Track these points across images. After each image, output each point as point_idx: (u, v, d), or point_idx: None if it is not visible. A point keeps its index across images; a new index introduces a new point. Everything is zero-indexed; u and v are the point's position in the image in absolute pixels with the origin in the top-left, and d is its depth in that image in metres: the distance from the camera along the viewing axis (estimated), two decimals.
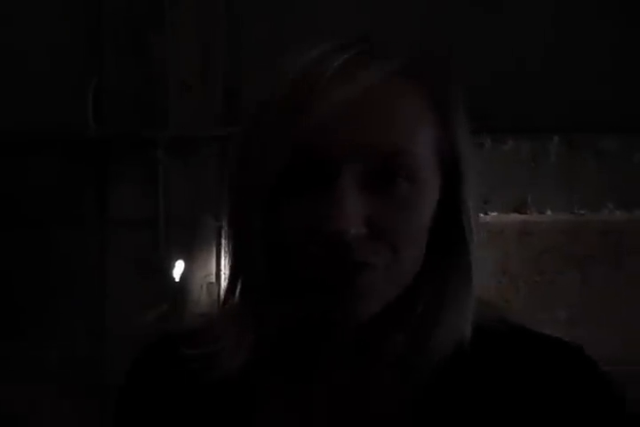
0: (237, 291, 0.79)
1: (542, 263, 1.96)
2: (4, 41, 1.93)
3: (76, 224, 1.90)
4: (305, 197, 0.70)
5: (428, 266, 0.75)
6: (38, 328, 1.87)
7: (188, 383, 0.79)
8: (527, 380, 0.75)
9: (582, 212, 1.98)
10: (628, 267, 1.96)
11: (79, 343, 1.88)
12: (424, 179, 0.72)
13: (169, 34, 1.93)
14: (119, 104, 1.93)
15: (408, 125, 0.71)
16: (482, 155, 1.91)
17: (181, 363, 0.79)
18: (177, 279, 1.88)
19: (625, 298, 1.95)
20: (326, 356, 0.78)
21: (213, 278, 1.90)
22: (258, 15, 1.96)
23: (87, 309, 1.89)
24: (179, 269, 1.88)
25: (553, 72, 1.98)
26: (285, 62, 0.72)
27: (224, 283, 1.87)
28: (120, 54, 1.93)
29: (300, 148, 0.69)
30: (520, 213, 1.97)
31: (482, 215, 1.95)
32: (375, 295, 0.71)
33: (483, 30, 1.97)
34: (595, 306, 1.95)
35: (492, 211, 1.95)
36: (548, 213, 1.98)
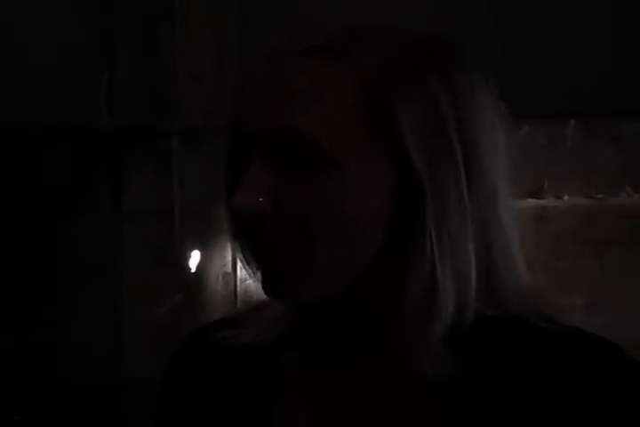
0: None
1: (559, 249, 1.95)
2: (16, 34, 1.93)
3: (91, 215, 1.90)
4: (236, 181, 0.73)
5: (388, 260, 0.72)
6: (53, 320, 1.87)
7: (222, 363, 0.82)
8: (560, 378, 0.73)
9: (600, 196, 1.96)
10: None
11: (95, 335, 1.88)
12: (345, 165, 0.68)
13: (181, 25, 1.92)
14: (132, 95, 1.93)
15: (311, 106, 0.68)
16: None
17: (216, 345, 0.82)
18: (193, 269, 1.88)
19: None
20: (343, 340, 0.78)
21: (230, 268, 1.90)
22: (270, 9, 1.96)
23: (103, 299, 1.89)
24: (194, 259, 1.88)
25: (569, 56, 1.96)
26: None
27: (240, 272, 1.88)
28: (133, 46, 1.93)
29: (236, 134, 0.74)
30: (536, 198, 1.96)
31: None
32: (296, 279, 0.72)
33: (496, 15, 1.96)
34: (613, 290, 1.94)
35: None
36: (565, 197, 1.96)
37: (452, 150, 0.70)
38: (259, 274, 0.76)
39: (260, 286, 0.75)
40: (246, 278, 1.86)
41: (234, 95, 0.77)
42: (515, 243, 0.77)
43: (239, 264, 1.90)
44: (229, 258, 1.90)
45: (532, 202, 1.95)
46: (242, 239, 0.76)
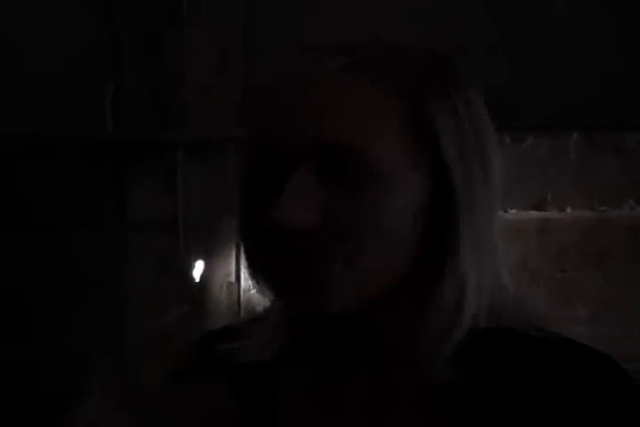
0: None
1: (562, 261, 1.95)
2: (20, 42, 1.94)
3: (96, 226, 1.91)
4: (269, 194, 0.72)
5: (421, 267, 0.74)
6: (57, 330, 1.88)
7: (221, 375, 0.82)
8: (555, 388, 0.74)
9: (602, 208, 1.97)
10: None
11: (99, 344, 1.89)
12: (391, 177, 0.71)
13: (187, 36, 1.93)
14: (137, 106, 1.94)
15: (357, 120, 0.71)
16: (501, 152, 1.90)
17: (217, 357, 0.82)
18: (197, 280, 1.89)
19: None
20: (347, 351, 0.79)
21: (233, 278, 1.90)
22: (275, 18, 1.97)
23: (107, 309, 1.89)
24: (198, 269, 1.89)
25: (571, 69, 1.97)
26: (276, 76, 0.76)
27: (244, 282, 1.88)
28: (138, 57, 1.94)
29: (267, 148, 0.72)
30: (539, 210, 1.96)
31: (501, 213, 1.94)
32: (337, 289, 0.72)
33: (500, 28, 1.97)
34: (616, 303, 1.94)
35: (512, 208, 1.94)
36: (568, 210, 1.97)
37: (475, 157, 0.74)
38: (280, 287, 0.75)
39: (290, 302, 0.75)
40: (249, 288, 1.86)
41: (259, 108, 0.75)
42: (501, 254, 0.78)
43: (243, 274, 1.91)
44: (233, 268, 1.91)
45: (535, 214, 1.96)
46: (278, 254, 0.73)
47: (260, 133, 0.73)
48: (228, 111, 1.93)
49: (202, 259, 1.90)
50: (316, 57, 0.73)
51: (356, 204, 0.70)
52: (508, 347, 0.76)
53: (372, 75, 0.72)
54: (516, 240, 1.93)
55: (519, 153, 1.93)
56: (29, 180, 1.90)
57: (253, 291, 1.80)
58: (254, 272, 0.77)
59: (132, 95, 1.94)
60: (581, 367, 0.74)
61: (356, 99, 0.71)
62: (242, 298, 1.90)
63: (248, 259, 0.77)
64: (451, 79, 0.75)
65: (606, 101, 1.95)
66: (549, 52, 1.97)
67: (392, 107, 0.72)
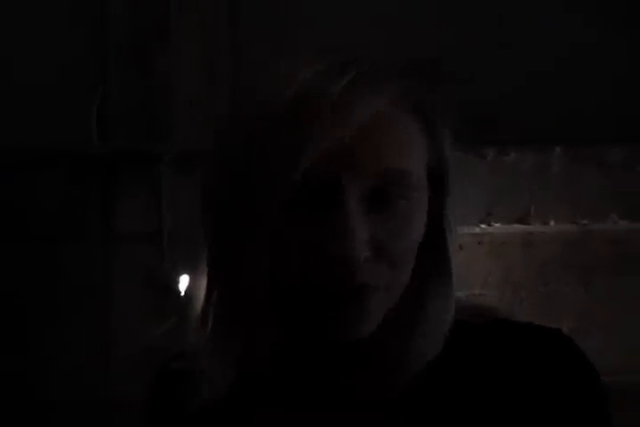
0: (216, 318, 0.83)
1: (546, 274, 1.96)
2: (6, 56, 1.94)
3: (82, 239, 1.90)
4: (309, 221, 0.71)
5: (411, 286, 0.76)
6: (44, 343, 1.87)
7: (184, 409, 0.82)
8: (517, 372, 0.77)
9: (586, 222, 1.98)
10: (632, 277, 1.97)
11: (85, 358, 1.88)
12: (417, 195, 0.74)
13: (173, 49, 1.94)
14: (123, 119, 1.94)
15: (404, 148, 0.73)
16: (484, 166, 1.92)
17: (176, 401, 0.82)
18: (182, 293, 1.88)
19: (629, 308, 1.95)
20: (317, 374, 0.79)
21: None
22: (261, 30, 1.97)
23: (93, 323, 1.89)
24: (184, 283, 1.88)
25: (555, 83, 1.99)
26: (281, 81, 0.73)
27: None
28: (124, 69, 1.94)
29: (305, 173, 0.70)
30: (523, 223, 1.97)
31: (485, 226, 1.95)
32: (377, 314, 0.73)
33: (487, 43, 1.98)
34: (599, 316, 1.95)
35: (495, 222, 1.95)
36: (552, 223, 1.98)
37: (452, 165, 0.78)
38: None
39: (330, 331, 0.73)
40: None
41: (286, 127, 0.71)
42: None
43: None
44: None
45: (518, 227, 1.97)
46: (326, 284, 0.71)
47: (297, 156, 0.69)
48: (216, 124, 1.93)
49: (187, 272, 1.89)
50: (356, 81, 0.71)
51: (396, 228, 0.72)
52: (462, 340, 0.78)
53: (409, 106, 0.74)
54: (499, 253, 1.94)
55: (503, 167, 1.95)
56: (16, 193, 1.90)
57: None
58: (257, 296, 0.75)
59: (120, 108, 1.94)
60: (538, 346, 0.80)
61: (400, 129, 0.74)
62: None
63: (255, 282, 0.74)
64: (448, 103, 0.79)
65: (589, 115, 1.97)
66: (532, 66, 1.99)
67: (421, 136, 0.75)
